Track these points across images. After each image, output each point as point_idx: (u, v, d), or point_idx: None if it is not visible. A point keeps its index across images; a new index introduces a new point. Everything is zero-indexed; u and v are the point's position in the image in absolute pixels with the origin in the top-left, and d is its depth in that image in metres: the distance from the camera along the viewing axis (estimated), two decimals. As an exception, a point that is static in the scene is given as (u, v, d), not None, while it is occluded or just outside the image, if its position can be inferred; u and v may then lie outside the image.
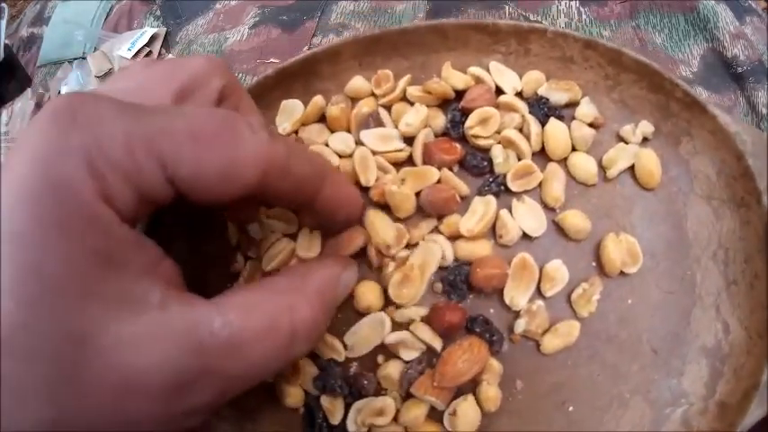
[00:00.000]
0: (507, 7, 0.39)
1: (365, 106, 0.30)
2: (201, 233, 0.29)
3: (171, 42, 0.47)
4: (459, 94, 0.29)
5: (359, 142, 0.29)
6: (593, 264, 0.27)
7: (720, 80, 0.35)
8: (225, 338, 0.16)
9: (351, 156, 0.29)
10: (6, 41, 0.51)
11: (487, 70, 0.29)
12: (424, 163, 0.28)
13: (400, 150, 0.28)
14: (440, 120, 0.29)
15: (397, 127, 0.29)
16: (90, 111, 0.15)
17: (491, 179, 0.27)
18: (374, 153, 0.28)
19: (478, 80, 0.29)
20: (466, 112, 0.28)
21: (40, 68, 0.52)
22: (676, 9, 0.37)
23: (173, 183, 0.17)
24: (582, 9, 0.38)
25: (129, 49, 0.48)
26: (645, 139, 0.28)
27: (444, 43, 0.30)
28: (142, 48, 0.48)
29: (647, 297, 0.26)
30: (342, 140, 0.29)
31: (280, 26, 0.42)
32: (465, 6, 0.38)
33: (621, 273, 0.26)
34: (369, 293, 0.26)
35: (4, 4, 0.52)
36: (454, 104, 0.29)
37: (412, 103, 0.29)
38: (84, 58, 0.51)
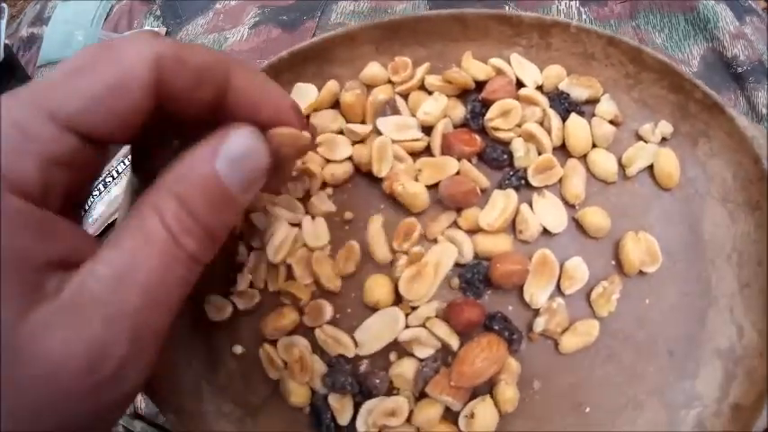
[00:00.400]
0: (507, 7, 0.38)
1: (382, 93, 0.28)
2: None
3: None
4: (479, 85, 0.28)
5: (375, 130, 0.28)
6: (612, 262, 0.26)
7: (720, 80, 0.35)
8: (109, 276, 0.15)
9: (363, 141, 0.28)
10: (6, 41, 0.50)
11: (508, 62, 0.29)
12: (443, 154, 0.27)
13: (418, 140, 0.27)
14: (459, 110, 0.28)
15: (414, 116, 0.28)
16: None
17: (511, 173, 0.27)
18: (390, 141, 0.27)
19: (499, 72, 0.28)
20: (486, 104, 0.28)
21: (40, 68, 0.51)
22: (676, 9, 0.37)
23: (70, 127, 0.15)
24: (582, 9, 0.38)
25: None
26: (663, 139, 0.28)
27: (464, 33, 0.29)
28: None
29: (665, 297, 0.26)
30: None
31: (280, 26, 0.42)
32: (465, 6, 0.38)
33: (640, 272, 0.26)
34: (378, 288, 0.25)
35: (4, 5, 0.50)
36: (474, 95, 0.28)
37: (430, 93, 0.28)
38: None
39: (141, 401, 0.32)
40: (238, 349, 0.26)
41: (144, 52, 0.16)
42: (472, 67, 0.28)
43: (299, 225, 0.27)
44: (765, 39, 0.36)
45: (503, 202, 0.26)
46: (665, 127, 0.28)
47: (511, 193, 0.26)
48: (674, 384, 0.26)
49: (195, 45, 0.19)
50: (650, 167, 0.28)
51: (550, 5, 0.38)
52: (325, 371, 0.25)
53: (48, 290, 0.14)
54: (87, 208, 0.41)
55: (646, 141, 0.28)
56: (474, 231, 0.26)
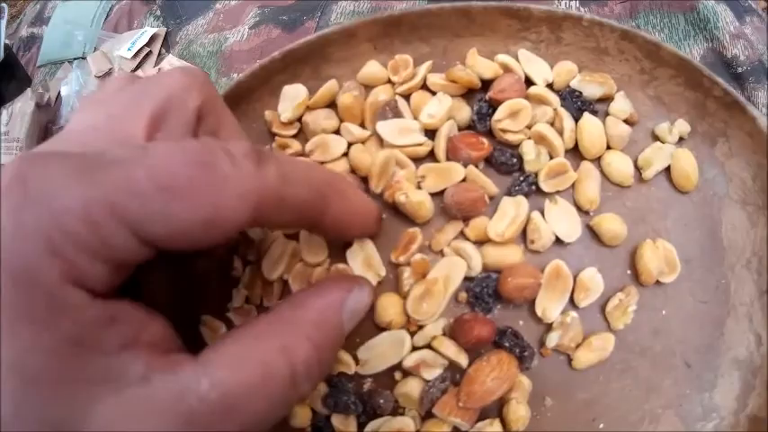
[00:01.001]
0: None
1: (382, 94, 0.27)
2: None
3: (171, 42, 0.47)
4: (486, 84, 0.26)
5: (375, 134, 0.26)
6: (628, 272, 0.25)
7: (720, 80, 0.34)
8: (216, 400, 0.14)
9: (363, 142, 0.27)
10: (6, 41, 0.51)
11: (516, 59, 0.27)
12: (448, 159, 0.26)
13: (421, 144, 0.26)
14: (464, 112, 0.26)
15: (416, 118, 0.26)
16: (41, 179, 0.14)
17: (521, 178, 0.25)
18: (392, 147, 0.26)
19: (507, 69, 0.26)
20: (493, 104, 0.26)
21: (40, 68, 0.52)
22: (676, 9, 0.37)
23: (148, 243, 0.15)
24: (582, 9, 0.37)
25: (128, 49, 0.47)
26: (680, 139, 0.27)
27: (469, 28, 0.27)
28: (142, 48, 0.47)
29: (682, 307, 0.25)
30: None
31: (280, 26, 0.41)
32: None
33: (657, 282, 0.25)
34: (390, 308, 0.23)
35: (4, 5, 0.52)
36: (480, 95, 0.26)
37: (433, 93, 0.27)
38: (84, 58, 0.50)
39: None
40: None
41: (247, 191, 0.15)
42: (478, 65, 0.26)
43: (296, 238, 0.25)
44: (765, 39, 0.36)
45: (513, 210, 0.24)
46: (683, 126, 0.26)
47: (521, 199, 0.25)
48: (692, 397, 0.25)
49: (298, 168, 0.17)
50: (666, 169, 0.26)
51: (550, 5, 0.37)
52: (326, 391, 0.24)
53: (131, 375, 0.14)
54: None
55: (662, 141, 0.26)
56: (482, 242, 0.24)
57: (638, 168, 0.26)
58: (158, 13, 0.49)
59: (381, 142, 0.26)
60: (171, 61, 0.46)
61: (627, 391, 0.24)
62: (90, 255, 0.14)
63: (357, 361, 0.24)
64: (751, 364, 0.25)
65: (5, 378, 0.13)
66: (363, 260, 0.24)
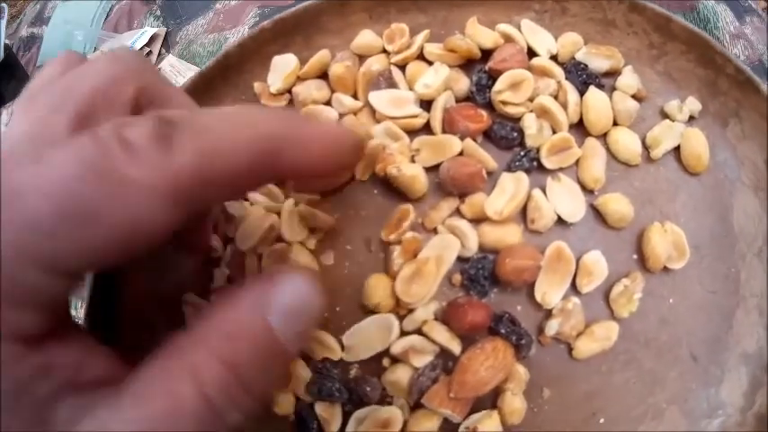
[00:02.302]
0: None
1: (375, 64, 0.25)
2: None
3: (171, 42, 0.47)
4: (486, 54, 0.25)
5: (367, 105, 0.24)
6: (635, 256, 0.23)
7: None
8: None
9: (356, 113, 0.25)
10: (6, 41, 0.51)
11: (518, 29, 0.25)
12: (444, 132, 0.24)
13: (416, 116, 0.24)
14: (462, 83, 0.25)
15: (412, 89, 0.25)
16: None
17: (522, 153, 0.23)
18: (385, 118, 0.24)
19: (509, 39, 0.25)
20: (494, 75, 0.24)
21: (40, 68, 0.51)
22: (676, 9, 0.37)
23: (69, 274, 0.13)
24: None
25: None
26: (691, 118, 0.25)
27: (471, -6, 0.26)
28: (142, 48, 0.47)
29: (690, 296, 0.23)
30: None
31: None
32: None
33: (664, 268, 0.23)
34: (379, 290, 0.22)
35: (4, 5, 0.51)
36: (480, 66, 0.25)
37: (430, 63, 0.25)
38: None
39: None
40: None
41: (155, 188, 0.13)
42: (478, 34, 0.24)
43: (278, 213, 0.24)
44: (765, 39, 0.36)
45: (512, 187, 0.23)
46: (694, 104, 0.25)
47: (521, 176, 0.23)
48: (697, 392, 0.23)
49: (223, 137, 0.14)
50: (676, 149, 0.25)
51: None
52: (311, 377, 0.22)
53: (57, 420, 0.13)
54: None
55: (672, 120, 0.25)
56: (479, 220, 0.23)
57: (646, 147, 0.25)
58: (158, 13, 0.49)
59: (374, 114, 0.25)
60: (171, 61, 0.46)
61: (630, 383, 0.23)
62: (12, 304, 0.12)
63: (342, 346, 0.22)
64: (760, 359, 0.23)
65: None
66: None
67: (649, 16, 0.25)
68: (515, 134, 0.24)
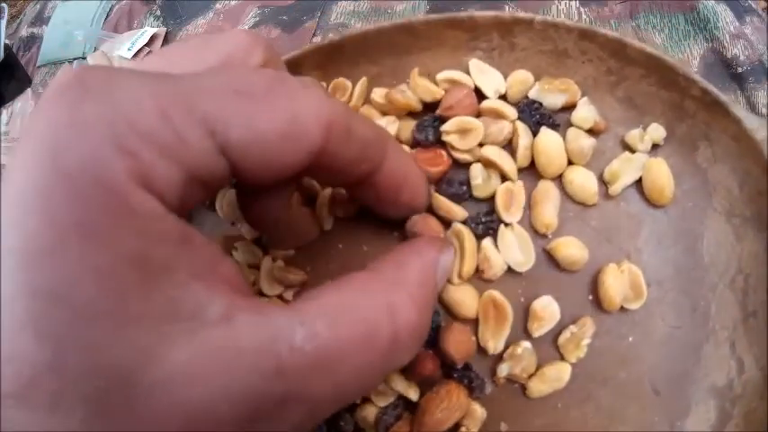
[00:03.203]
0: (507, 7, 0.37)
1: None
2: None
3: (171, 42, 0.47)
4: (432, 104, 0.25)
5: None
6: (590, 297, 0.24)
7: (720, 80, 0.34)
8: (310, 354, 0.12)
9: None
10: (6, 41, 0.51)
11: (467, 70, 0.25)
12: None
13: None
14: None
15: None
16: (104, 79, 0.12)
17: (483, 215, 0.24)
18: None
19: (455, 83, 0.25)
20: (443, 120, 0.25)
21: (40, 68, 0.52)
22: (676, 9, 0.36)
23: (224, 152, 0.13)
24: (582, 9, 0.37)
25: (128, 49, 0.47)
26: (655, 146, 0.24)
27: (416, 43, 0.25)
28: (142, 48, 0.47)
29: (651, 333, 0.23)
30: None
31: (280, 26, 0.41)
32: (465, 6, 0.37)
33: (622, 307, 0.23)
34: None
35: (4, 5, 0.52)
36: (429, 115, 0.25)
37: (385, 114, 0.26)
38: (84, 58, 0.50)
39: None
40: None
41: (320, 111, 0.14)
42: (419, 87, 0.25)
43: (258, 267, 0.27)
44: (765, 39, 0.34)
45: (456, 245, 0.24)
46: (657, 131, 0.24)
47: (461, 229, 0.24)
48: (661, 424, 0.23)
49: (360, 115, 0.18)
50: (639, 181, 0.24)
51: (550, 5, 0.37)
52: None
53: (210, 314, 0.12)
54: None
55: (633, 150, 0.24)
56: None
57: (604, 183, 0.24)
58: (158, 13, 0.49)
59: None
60: None
61: (588, 417, 0.24)
62: (163, 153, 0.12)
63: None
64: (730, 392, 0.23)
65: (43, 309, 0.10)
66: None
67: (602, 42, 0.24)
68: (464, 188, 0.24)
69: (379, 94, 0.25)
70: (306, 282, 0.26)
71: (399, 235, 0.25)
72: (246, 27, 0.43)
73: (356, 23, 0.39)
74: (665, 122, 0.24)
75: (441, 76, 0.25)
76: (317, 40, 0.39)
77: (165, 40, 0.47)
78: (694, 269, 0.24)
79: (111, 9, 0.52)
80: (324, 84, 0.27)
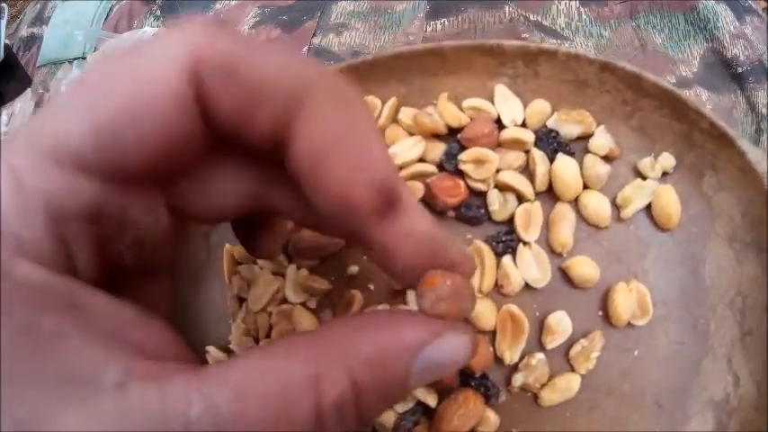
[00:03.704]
0: (507, 7, 0.36)
1: None
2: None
3: None
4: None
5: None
6: (600, 313, 0.25)
7: (720, 80, 0.34)
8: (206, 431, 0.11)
9: None
10: (6, 41, 0.50)
11: (491, 94, 0.26)
12: (426, 203, 0.26)
13: None
14: (438, 151, 0.27)
15: (388, 148, 0.27)
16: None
17: (504, 235, 0.25)
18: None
19: (479, 111, 0.26)
20: (465, 146, 0.26)
21: (40, 68, 0.51)
22: (676, 9, 0.36)
23: (83, 170, 0.12)
24: (582, 9, 0.36)
25: None
26: (664, 173, 0.26)
27: (444, 66, 0.27)
28: None
29: (655, 348, 0.25)
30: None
31: (280, 26, 0.41)
32: (465, 6, 0.36)
33: (629, 323, 0.25)
34: None
35: (4, 5, 0.50)
36: (454, 138, 0.26)
37: (411, 134, 0.27)
38: (84, 58, 0.50)
39: None
40: None
41: (176, 55, 0.12)
42: (446, 112, 0.26)
43: (283, 275, 0.28)
44: (765, 39, 0.35)
45: (478, 261, 0.25)
46: (667, 160, 0.25)
47: (482, 246, 0.25)
48: (662, 433, 0.25)
49: (269, 47, 0.13)
50: (648, 207, 0.26)
51: (550, 5, 0.36)
52: None
53: (104, 380, 0.11)
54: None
55: (644, 177, 0.26)
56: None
57: (616, 206, 0.26)
58: (158, 13, 0.48)
59: None
60: None
61: (593, 426, 0.25)
62: (15, 210, 0.11)
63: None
64: (727, 405, 0.25)
65: None
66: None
67: (620, 75, 0.25)
68: (482, 211, 0.26)
69: (406, 114, 0.27)
70: (330, 291, 0.27)
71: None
72: (247, 27, 0.43)
73: (356, 23, 0.39)
74: (674, 151, 0.25)
75: (466, 103, 0.26)
76: (317, 40, 0.39)
77: None
78: (697, 290, 0.25)
79: (111, 9, 0.51)
80: None
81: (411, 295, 0.26)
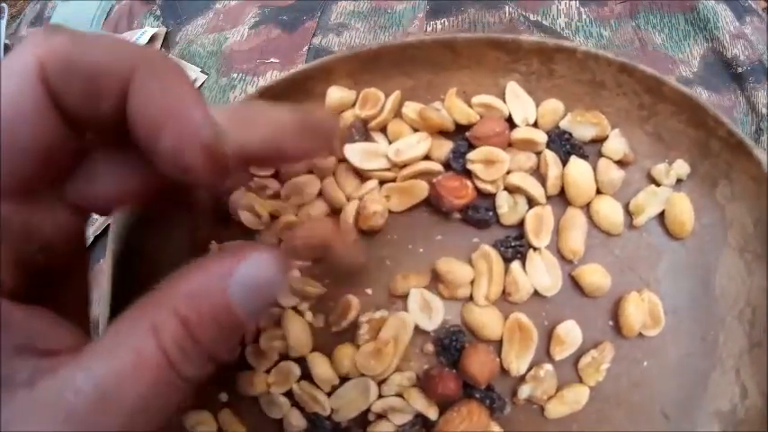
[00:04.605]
0: (507, 7, 0.36)
1: (346, 117, 0.26)
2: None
3: (171, 42, 0.46)
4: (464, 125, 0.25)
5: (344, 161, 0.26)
6: (610, 323, 0.25)
7: (720, 80, 0.34)
8: (90, 393, 0.14)
9: (334, 173, 0.26)
10: (6, 41, 0.50)
11: (503, 92, 0.25)
12: (431, 204, 0.25)
13: (388, 170, 0.25)
14: (445, 148, 0.25)
15: (391, 143, 0.26)
16: None
17: (513, 240, 0.24)
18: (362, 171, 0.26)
19: (489, 108, 0.25)
20: (473, 144, 0.25)
21: None
22: (676, 9, 0.36)
23: None
24: (582, 9, 0.36)
25: None
26: (678, 181, 0.25)
27: (455, 61, 0.25)
28: None
29: (665, 359, 0.25)
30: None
31: (280, 26, 0.41)
32: (465, 6, 0.35)
33: (639, 333, 0.24)
34: (345, 360, 0.24)
35: (4, 4, 0.50)
36: (462, 135, 0.25)
37: (415, 129, 0.26)
38: None
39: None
40: (224, 396, 0.26)
41: (23, 66, 0.14)
42: (455, 109, 0.25)
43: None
44: (765, 39, 0.35)
45: (485, 266, 0.24)
46: (682, 168, 0.25)
47: (489, 251, 0.24)
48: (668, 447, 0.25)
49: (100, 38, 0.15)
50: (661, 214, 0.25)
51: (550, 5, 0.36)
52: (304, 426, 0.25)
53: (18, 380, 0.14)
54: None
55: (658, 184, 0.25)
56: (455, 299, 0.24)
57: (629, 213, 0.25)
58: (158, 13, 0.48)
59: (352, 170, 0.26)
60: None
61: (601, 439, 0.25)
62: None
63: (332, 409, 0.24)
64: (734, 417, 0.24)
65: None
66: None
67: (639, 78, 0.24)
68: (490, 214, 0.24)
69: (411, 108, 0.25)
70: (324, 295, 0.26)
71: (425, 250, 0.25)
72: (247, 27, 0.43)
73: (356, 23, 0.39)
74: (689, 159, 0.25)
75: (476, 99, 0.25)
76: (317, 40, 0.38)
77: (165, 40, 0.46)
78: (707, 300, 0.25)
79: (111, 9, 0.51)
80: (354, 93, 0.26)
81: (412, 298, 0.24)
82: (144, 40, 0.45)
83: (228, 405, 0.26)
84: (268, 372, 0.25)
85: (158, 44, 0.46)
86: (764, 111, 0.32)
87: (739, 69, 0.33)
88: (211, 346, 0.15)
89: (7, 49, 0.50)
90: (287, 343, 0.25)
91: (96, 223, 0.41)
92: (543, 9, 0.36)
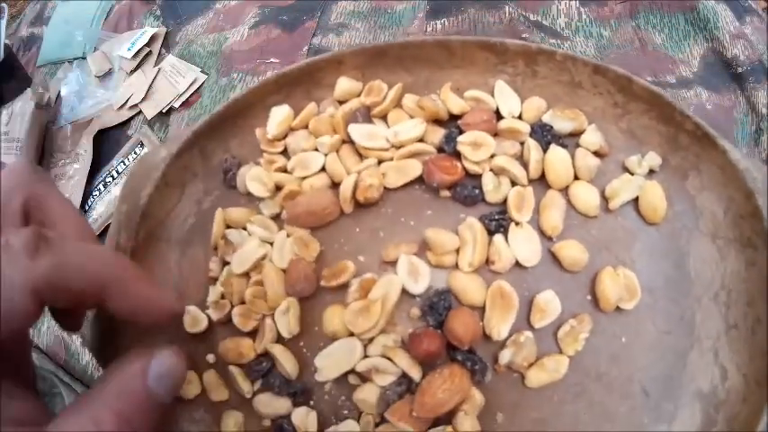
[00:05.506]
0: (507, 7, 0.38)
1: (352, 103, 0.29)
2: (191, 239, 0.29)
3: (171, 42, 0.47)
4: (457, 116, 0.28)
5: (347, 140, 0.29)
6: (589, 297, 0.26)
7: (720, 80, 0.34)
8: None
9: (338, 150, 0.29)
10: (6, 41, 0.51)
11: (493, 90, 0.28)
12: (424, 182, 0.27)
13: (386, 150, 0.28)
14: (439, 135, 0.28)
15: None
16: None
17: (497, 214, 0.26)
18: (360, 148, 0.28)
19: (479, 101, 0.28)
20: (464, 131, 0.28)
21: (40, 68, 0.52)
22: (676, 9, 0.37)
23: None
24: (582, 9, 0.37)
25: (128, 49, 0.48)
26: (651, 171, 0.27)
27: (450, 60, 0.29)
28: (142, 48, 0.48)
29: (643, 335, 0.25)
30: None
31: (280, 26, 0.42)
32: (465, 6, 0.37)
33: (617, 308, 0.25)
34: (334, 319, 0.25)
35: (4, 4, 0.51)
36: (455, 123, 0.28)
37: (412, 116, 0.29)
38: (84, 58, 0.51)
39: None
40: (212, 358, 0.27)
41: (22, 284, 0.17)
42: (449, 100, 0.28)
43: (271, 244, 0.28)
44: (765, 39, 0.35)
45: (470, 236, 0.26)
46: (653, 159, 0.27)
47: (473, 222, 0.26)
48: (648, 426, 0.25)
49: (74, 262, 0.19)
50: (635, 200, 0.27)
51: (550, 5, 0.37)
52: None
53: None
54: (87, 208, 0.44)
55: (632, 173, 0.27)
56: (441, 266, 0.26)
57: (605, 199, 0.27)
58: (158, 13, 0.49)
59: (354, 148, 0.29)
60: (171, 61, 0.46)
61: (581, 414, 0.25)
62: None
63: (315, 369, 0.25)
64: (714, 397, 0.24)
65: None
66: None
67: (612, 78, 0.27)
68: (477, 191, 0.27)
69: (410, 99, 0.29)
70: (319, 259, 0.27)
71: (416, 224, 0.27)
72: (247, 27, 0.43)
73: (356, 23, 0.40)
74: (661, 153, 0.27)
75: (468, 93, 0.28)
76: (317, 40, 0.40)
77: (165, 40, 0.47)
78: (682, 282, 0.26)
79: (111, 9, 0.52)
80: (361, 84, 0.30)
81: (401, 263, 0.26)
82: (144, 40, 0.46)
83: (214, 366, 0.27)
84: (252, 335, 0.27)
85: (158, 44, 0.46)
86: (764, 111, 0.33)
87: (739, 69, 0.34)
88: (142, 426, 0.19)
89: (7, 49, 0.49)
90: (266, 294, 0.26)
91: (96, 224, 0.43)
92: (543, 9, 0.37)
